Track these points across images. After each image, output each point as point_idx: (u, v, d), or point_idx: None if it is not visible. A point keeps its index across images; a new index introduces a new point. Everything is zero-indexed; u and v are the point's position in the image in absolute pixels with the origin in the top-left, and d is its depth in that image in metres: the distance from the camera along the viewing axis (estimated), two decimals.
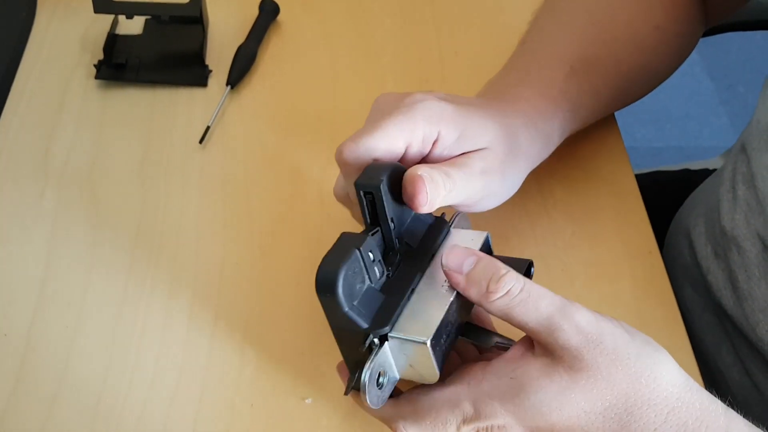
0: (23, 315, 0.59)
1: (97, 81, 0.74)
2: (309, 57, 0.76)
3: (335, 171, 0.52)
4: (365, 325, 0.45)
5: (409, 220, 0.49)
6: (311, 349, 0.57)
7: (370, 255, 0.45)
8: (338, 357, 0.48)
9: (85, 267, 0.62)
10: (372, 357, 0.44)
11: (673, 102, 1.92)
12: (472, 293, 0.45)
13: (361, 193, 0.47)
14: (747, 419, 0.44)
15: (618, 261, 0.61)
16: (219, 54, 0.76)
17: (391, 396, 0.47)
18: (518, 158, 0.54)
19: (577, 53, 0.60)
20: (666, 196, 0.82)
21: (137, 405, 0.55)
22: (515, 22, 0.66)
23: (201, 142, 0.69)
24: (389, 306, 0.46)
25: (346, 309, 0.44)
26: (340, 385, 0.50)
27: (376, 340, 0.45)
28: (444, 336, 0.46)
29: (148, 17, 0.77)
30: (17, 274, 0.62)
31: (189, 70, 0.74)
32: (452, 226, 0.51)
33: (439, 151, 0.50)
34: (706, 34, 0.73)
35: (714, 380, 0.68)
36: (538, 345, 0.45)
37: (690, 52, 0.69)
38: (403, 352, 0.45)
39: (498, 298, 0.44)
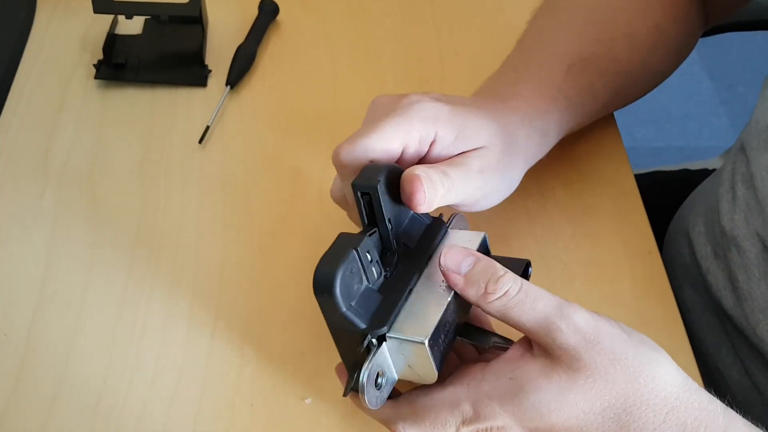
0: (23, 315, 0.59)
1: (97, 81, 0.74)
2: (309, 57, 0.76)
3: (335, 171, 0.52)
4: (363, 326, 0.45)
5: (406, 221, 0.49)
6: (311, 349, 0.57)
7: (368, 255, 0.45)
8: (338, 357, 0.48)
9: (85, 267, 0.62)
10: (370, 357, 0.44)
11: (673, 102, 1.92)
12: (471, 294, 0.45)
13: (359, 194, 0.47)
14: (746, 419, 0.44)
15: (618, 261, 0.61)
16: (218, 54, 0.76)
17: (390, 397, 0.47)
18: (516, 156, 0.54)
19: (576, 52, 0.60)
20: (666, 196, 0.82)
21: (137, 405, 0.55)
22: (515, 22, 0.66)
23: (201, 142, 0.69)
24: (387, 306, 0.46)
25: (344, 309, 0.44)
26: (340, 385, 0.50)
27: (374, 341, 0.45)
28: (442, 336, 0.46)
29: (148, 17, 0.77)
30: (17, 274, 0.62)
31: (188, 70, 0.74)
32: (450, 226, 0.51)
33: (437, 151, 0.50)
34: (706, 34, 0.73)
35: (714, 380, 0.68)
36: (536, 345, 0.45)
37: (689, 52, 0.69)
38: (402, 352, 0.45)
39: (496, 299, 0.44)
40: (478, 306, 0.45)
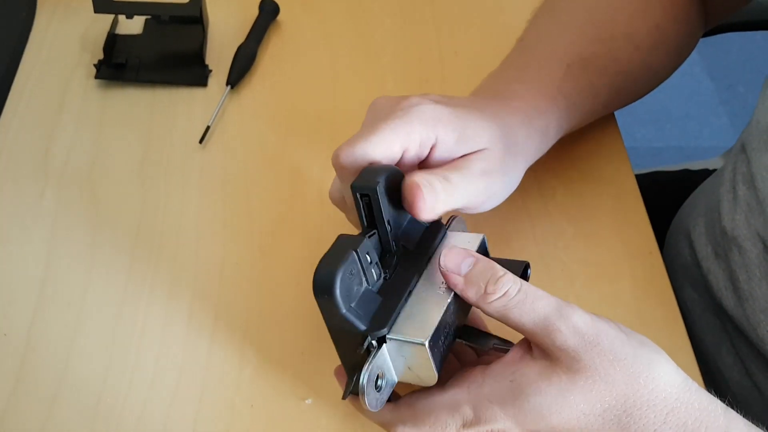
0: (23, 315, 0.59)
1: (97, 81, 0.74)
2: (309, 57, 0.76)
3: (334, 172, 0.52)
4: (363, 327, 0.44)
5: (405, 223, 0.49)
6: (311, 349, 0.57)
7: (368, 257, 0.45)
8: (339, 358, 0.48)
9: (85, 267, 0.62)
10: (370, 359, 0.44)
11: (673, 102, 1.92)
12: (470, 294, 0.45)
13: (358, 196, 0.47)
14: (747, 419, 0.44)
15: (618, 261, 0.61)
16: (219, 54, 0.76)
17: (390, 400, 0.47)
18: (517, 156, 0.54)
19: (576, 52, 0.60)
20: (666, 196, 0.82)
21: (137, 405, 0.55)
22: (515, 22, 0.66)
23: (201, 142, 0.69)
24: (387, 308, 0.45)
25: (344, 311, 0.44)
26: (340, 386, 0.50)
27: (374, 342, 0.45)
28: (442, 338, 0.45)
29: (148, 17, 0.77)
30: (17, 274, 0.62)
31: (189, 69, 0.74)
32: (448, 228, 0.51)
33: (439, 153, 0.50)
34: (706, 34, 0.73)
35: (714, 380, 0.68)
36: (535, 347, 0.45)
37: (690, 53, 0.69)
38: (402, 354, 0.45)
39: (496, 299, 0.44)
40: (478, 307, 0.45)
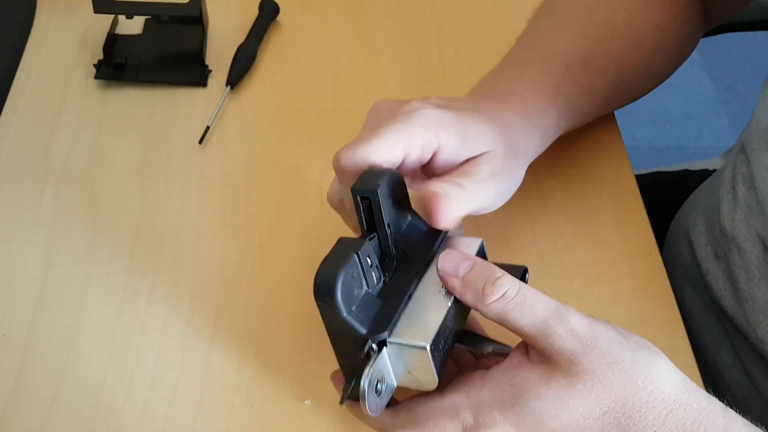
0: (23, 315, 0.59)
1: (97, 81, 0.74)
2: (309, 57, 0.76)
3: (334, 172, 0.52)
4: (364, 331, 0.44)
5: (404, 227, 0.49)
6: (311, 349, 0.57)
7: (368, 260, 0.45)
8: None
9: (85, 267, 0.62)
10: (371, 363, 0.44)
11: (673, 102, 1.92)
12: (468, 297, 0.45)
13: (358, 199, 0.46)
14: (746, 418, 0.44)
15: (618, 261, 0.61)
16: (219, 54, 0.76)
17: (388, 405, 0.47)
18: (519, 156, 0.54)
19: (576, 51, 0.60)
20: (666, 196, 0.82)
21: (137, 405, 0.55)
22: (515, 22, 0.65)
23: (201, 142, 0.69)
24: (387, 312, 0.45)
25: (345, 314, 0.43)
26: (337, 391, 0.50)
27: (374, 346, 0.44)
28: (442, 342, 0.45)
29: (148, 17, 0.76)
30: (17, 274, 0.62)
31: (189, 70, 0.74)
32: (447, 233, 0.51)
33: (443, 157, 0.50)
34: (706, 34, 0.73)
35: (713, 381, 0.68)
36: (533, 351, 0.45)
37: (690, 53, 0.69)
38: (402, 358, 0.45)
39: (494, 301, 0.44)
40: (477, 309, 0.45)
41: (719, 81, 1.95)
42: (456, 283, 0.45)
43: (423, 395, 0.47)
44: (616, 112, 0.69)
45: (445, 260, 0.46)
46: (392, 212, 0.47)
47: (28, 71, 0.75)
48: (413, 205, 0.50)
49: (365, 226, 0.47)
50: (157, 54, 0.75)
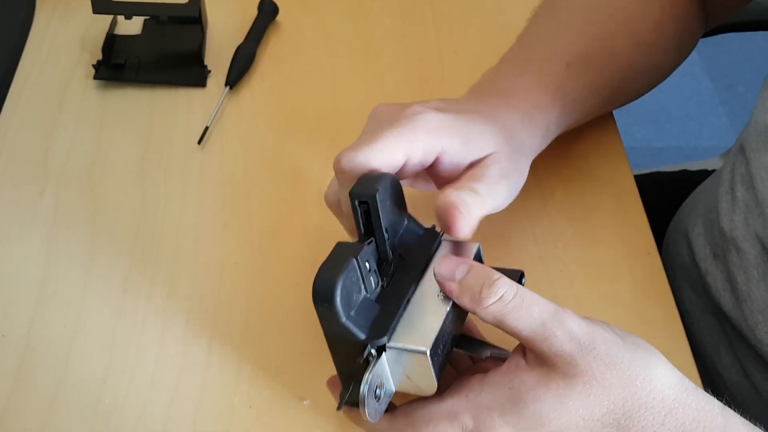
0: (23, 315, 0.59)
1: (96, 81, 0.74)
2: (308, 57, 0.76)
3: (334, 174, 0.52)
4: (363, 336, 0.44)
5: (401, 231, 0.49)
6: (311, 349, 0.57)
7: (367, 265, 0.45)
8: None
9: (85, 267, 0.62)
10: (371, 368, 0.43)
11: (673, 102, 1.92)
12: (465, 300, 0.45)
13: (356, 203, 0.46)
14: (744, 418, 0.44)
15: (617, 261, 0.61)
16: (218, 54, 0.76)
17: (386, 411, 0.47)
18: (523, 154, 0.54)
19: (576, 50, 0.60)
20: (665, 196, 0.82)
21: (137, 405, 0.55)
22: (515, 22, 0.66)
23: (200, 142, 0.69)
24: (386, 316, 0.45)
25: (344, 319, 0.43)
26: (333, 396, 0.50)
27: (373, 351, 0.44)
28: (441, 347, 0.45)
29: (147, 17, 0.76)
30: (17, 274, 0.62)
31: (188, 70, 0.74)
32: (443, 237, 0.50)
33: (448, 161, 0.50)
34: (706, 34, 0.73)
35: (712, 381, 0.68)
36: (531, 354, 0.45)
37: (689, 52, 0.69)
38: (401, 363, 0.45)
39: (491, 304, 0.44)
40: (474, 312, 0.45)
41: (719, 81, 1.95)
42: (453, 287, 0.45)
43: (421, 400, 0.47)
44: (615, 112, 0.69)
45: (442, 265, 0.46)
46: (390, 217, 0.47)
47: (27, 71, 0.75)
48: (432, 217, 0.50)
49: (363, 231, 0.47)
50: (156, 54, 0.75)
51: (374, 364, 0.44)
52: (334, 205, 0.54)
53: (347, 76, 0.75)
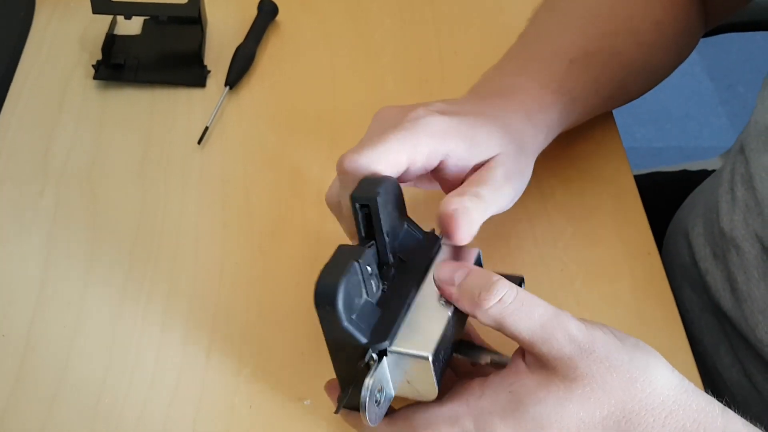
0: (23, 315, 0.59)
1: (96, 81, 0.74)
2: (308, 57, 0.76)
3: (334, 171, 0.52)
4: (364, 340, 0.44)
5: (401, 235, 0.49)
6: (310, 350, 0.57)
7: (368, 268, 0.45)
8: None
9: (85, 267, 0.62)
10: (372, 372, 0.43)
11: (673, 102, 1.92)
12: (465, 304, 0.45)
13: (357, 206, 0.46)
14: (745, 418, 0.44)
15: (617, 261, 0.61)
16: (218, 54, 0.75)
17: (385, 415, 0.46)
18: (527, 154, 0.54)
19: (577, 48, 0.61)
20: (665, 196, 0.82)
21: (137, 405, 0.55)
22: (515, 22, 0.66)
23: (200, 142, 0.69)
24: (387, 320, 0.45)
25: (345, 323, 0.43)
26: (331, 400, 0.50)
27: (374, 355, 0.44)
28: (442, 352, 0.45)
29: (147, 18, 0.76)
30: (16, 274, 0.62)
31: (187, 70, 0.74)
32: (443, 241, 0.50)
33: (453, 164, 0.50)
34: (706, 34, 0.73)
35: (713, 381, 0.68)
36: (531, 357, 0.44)
37: (690, 52, 0.69)
38: (402, 367, 0.44)
39: (491, 306, 0.44)
40: (474, 316, 0.45)
41: (719, 81, 1.95)
42: (452, 291, 0.45)
43: (421, 404, 0.46)
44: (615, 112, 0.69)
45: (442, 269, 0.46)
46: (390, 220, 0.47)
47: (27, 71, 0.75)
48: (433, 222, 0.50)
49: (363, 234, 0.47)
50: (155, 54, 0.75)
51: (375, 369, 0.43)
52: (334, 206, 0.54)
53: (347, 76, 0.75)
